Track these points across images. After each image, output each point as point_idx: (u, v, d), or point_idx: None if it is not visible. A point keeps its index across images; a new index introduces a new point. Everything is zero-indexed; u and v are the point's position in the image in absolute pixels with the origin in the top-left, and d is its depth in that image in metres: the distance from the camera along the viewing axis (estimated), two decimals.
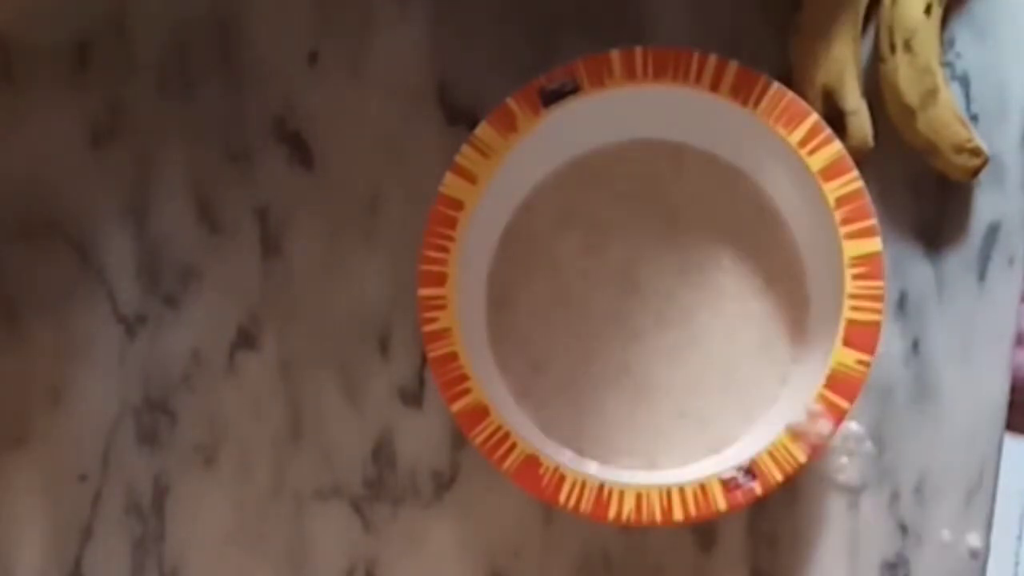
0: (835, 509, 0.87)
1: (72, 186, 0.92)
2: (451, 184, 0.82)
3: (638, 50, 0.82)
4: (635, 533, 0.87)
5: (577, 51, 0.85)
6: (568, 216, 0.86)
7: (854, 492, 0.87)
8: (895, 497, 0.87)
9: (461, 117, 0.91)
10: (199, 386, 0.91)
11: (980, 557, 0.86)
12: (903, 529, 0.87)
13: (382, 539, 0.89)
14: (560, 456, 0.81)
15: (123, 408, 0.91)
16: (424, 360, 0.89)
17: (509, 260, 0.86)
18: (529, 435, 0.82)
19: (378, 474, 0.89)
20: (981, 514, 0.86)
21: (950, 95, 0.86)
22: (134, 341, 0.91)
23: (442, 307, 0.81)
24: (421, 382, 0.90)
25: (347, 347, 0.90)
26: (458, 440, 0.89)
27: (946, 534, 0.87)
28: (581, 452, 0.83)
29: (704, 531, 0.87)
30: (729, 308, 0.85)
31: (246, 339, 0.91)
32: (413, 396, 0.90)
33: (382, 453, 0.89)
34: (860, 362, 0.78)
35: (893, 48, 0.86)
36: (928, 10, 0.85)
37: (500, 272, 0.86)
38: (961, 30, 0.89)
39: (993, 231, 0.88)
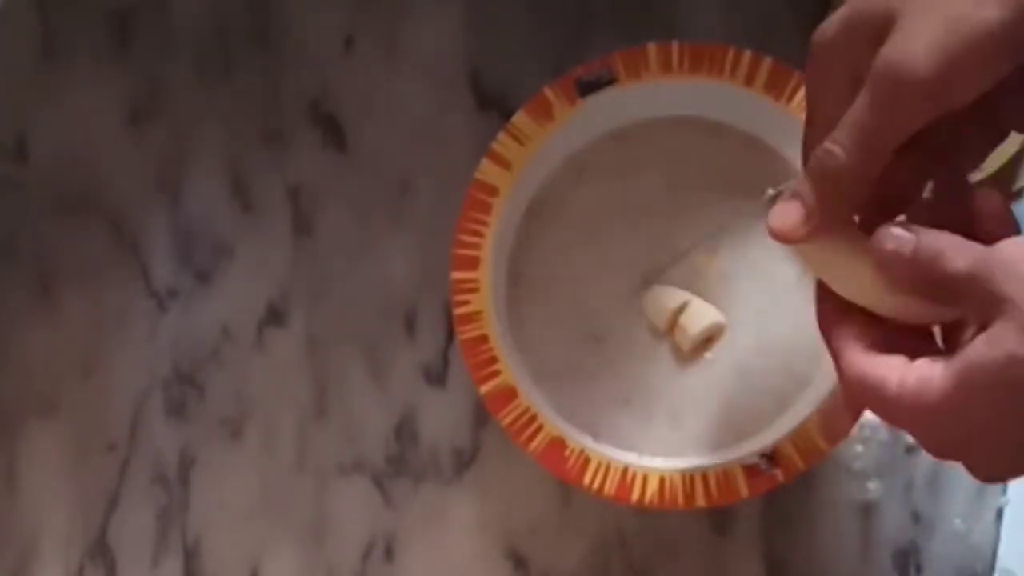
0: (849, 496, 0.88)
1: (109, 163, 0.94)
2: (486, 170, 0.84)
3: (674, 44, 0.83)
4: (651, 515, 0.88)
5: (607, 42, 0.86)
6: (592, 185, 0.87)
7: (869, 480, 0.88)
8: (909, 486, 0.88)
9: (492, 103, 0.93)
10: (227, 361, 0.92)
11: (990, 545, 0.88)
12: (916, 517, 0.88)
13: (402, 515, 0.91)
14: (582, 439, 0.83)
15: (152, 380, 0.92)
16: (449, 340, 0.91)
17: (528, 237, 0.87)
18: (552, 417, 0.83)
19: (400, 451, 0.91)
20: (993, 504, 0.88)
21: None
22: (165, 315, 0.92)
23: (474, 290, 0.83)
24: (445, 361, 0.91)
25: (373, 326, 0.92)
26: (480, 419, 0.90)
27: (958, 523, 0.88)
28: (597, 436, 0.84)
29: (720, 515, 0.89)
30: (761, 289, 0.86)
31: (275, 316, 0.92)
32: (437, 375, 0.91)
33: (405, 430, 0.91)
34: None
35: None
36: None
37: (519, 250, 0.87)
38: None
39: None
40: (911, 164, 0.66)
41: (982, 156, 0.68)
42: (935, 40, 0.60)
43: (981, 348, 0.57)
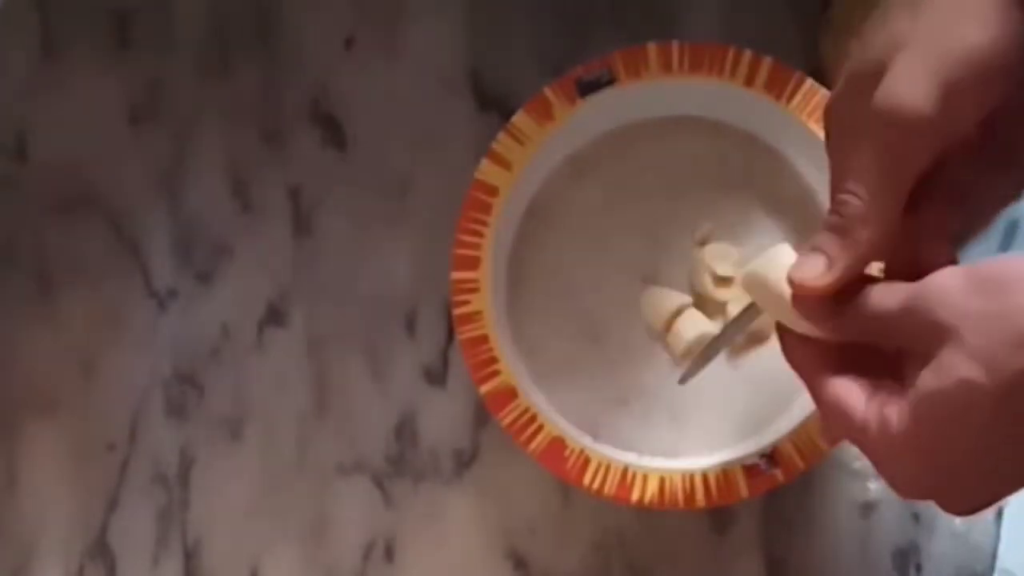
0: (850, 495, 0.88)
1: (109, 162, 0.94)
2: (486, 170, 0.84)
3: (674, 44, 0.84)
4: (651, 515, 0.88)
5: (607, 43, 0.86)
6: (591, 184, 0.87)
7: (869, 480, 0.88)
8: None
9: (492, 104, 0.93)
10: (227, 361, 0.92)
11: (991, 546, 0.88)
12: (916, 517, 0.88)
13: (402, 514, 0.91)
14: (582, 439, 0.83)
15: (152, 380, 0.92)
16: (449, 340, 0.91)
17: (528, 237, 0.87)
18: (552, 417, 0.83)
19: (400, 451, 0.91)
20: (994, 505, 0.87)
21: None
22: (165, 315, 0.92)
23: (474, 290, 0.83)
24: (445, 362, 0.91)
25: (373, 326, 0.92)
26: (480, 419, 0.90)
27: (958, 523, 0.88)
28: (597, 436, 0.84)
29: (719, 514, 0.89)
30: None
31: (275, 316, 0.92)
32: (437, 375, 0.91)
33: (405, 430, 0.91)
34: None
35: None
36: None
37: (519, 250, 0.87)
38: None
39: (1013, 227, 0.90)
40: (935, 215, 0.65)
41: (1010, 196, 0.67)
42: (923, 74, 0.60)
43: (931, 380, 0.58)
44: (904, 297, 0.60)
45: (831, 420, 0.64)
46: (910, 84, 0.60)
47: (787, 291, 0.66)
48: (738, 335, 0.79)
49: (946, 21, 0.60)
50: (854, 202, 0.63)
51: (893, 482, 0.63)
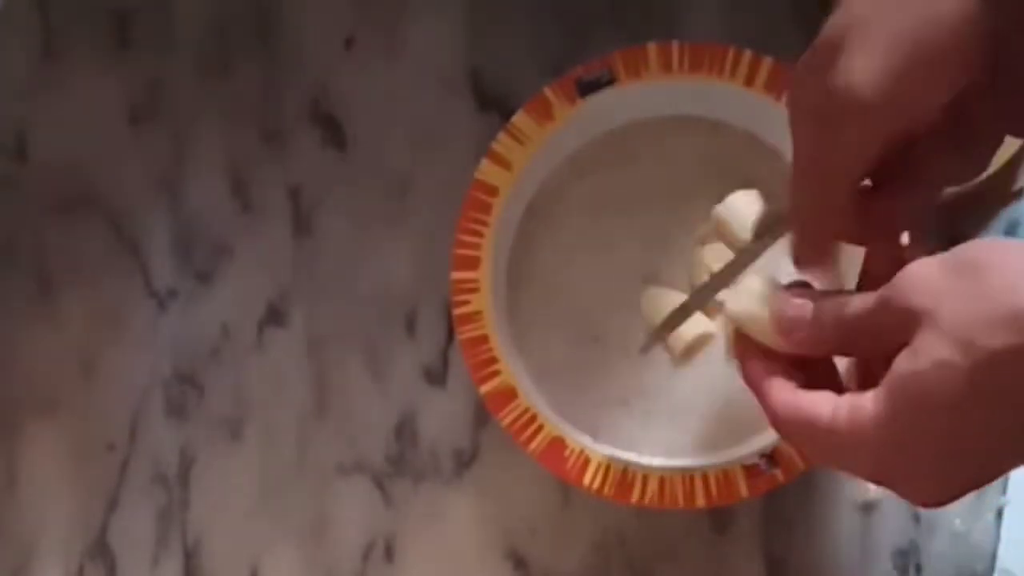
0: (850, 496, 0.88)
1: (109, 162, 0.94)
2: (486, 170, 0.84)
3: (674, 44, 0.84)
4: (651, 514, 0.88)
5: (607, 43, 0.86)
6: (591, 184, 0.88)
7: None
8: None
9: (492, 104, 0.92)
10: (227, 361, 0.92)
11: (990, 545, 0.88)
12: (916, 518, 0.88)
13: (402, 515, 0.91)
14: (582, 439, 0.83)
15: (152, 380, 0.92)
16: (449, 340, 0.91)
17: (528, 237, 0.87)
18: (552, 417, 0.83)
19: (400, 451, 0.91)
20: (992, 504, 0.88)
21: None
22: (165, 315, 0.92)
23: (474, 290, 0.83)
24: (445, 362, 0.91)
25: (373, 326, 0.92)
26: (480, 419, 0.90)
27: (958, 523, 0.88)
28: (597, 436, 0.84)
29: (719, 514, 0.89)
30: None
31: (275, 316, 0.92)
32: (437, 375, 0.91)
33: (405, 430, 0.91)
34: None
35: None
36: None
37: (519, 250, 0.87)
38: None
39: (1013, 226, 0.90)
40: (893, 192, 0.66)
41: (969, 169, 0.67)
42: (879, 55, 0.59)
43: (906, 363, 0.58)
44: (876, 295, 0.61)
45: (795, 423, 0.63)
46: (864, 66, 0.59)
47: (764, 315, 0.67)
48: (707, 301, 0.78)
49: (904, 1, 0.59)
50: (802, 187, 0.64)
51: (861, 469, 0.62)
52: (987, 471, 0.60)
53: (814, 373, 0.66)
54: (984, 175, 0.84)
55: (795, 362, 0.67)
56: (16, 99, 0.94)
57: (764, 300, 0.67)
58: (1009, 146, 0.85)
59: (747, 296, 0.68)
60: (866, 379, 0.65)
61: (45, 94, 0.94)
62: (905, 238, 0.68)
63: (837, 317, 0.63)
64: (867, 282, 0.67)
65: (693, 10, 0.93)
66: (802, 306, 0.65)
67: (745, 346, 0.69)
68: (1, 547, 0.91)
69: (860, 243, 0.68)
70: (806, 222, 0.66)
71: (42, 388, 0.92)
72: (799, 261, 0.68)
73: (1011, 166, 0.86)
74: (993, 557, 0.87)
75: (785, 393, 0.65)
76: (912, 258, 0.61)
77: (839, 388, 0.65)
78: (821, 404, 0.62)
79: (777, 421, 0.65)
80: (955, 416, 0.57)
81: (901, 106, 0.60)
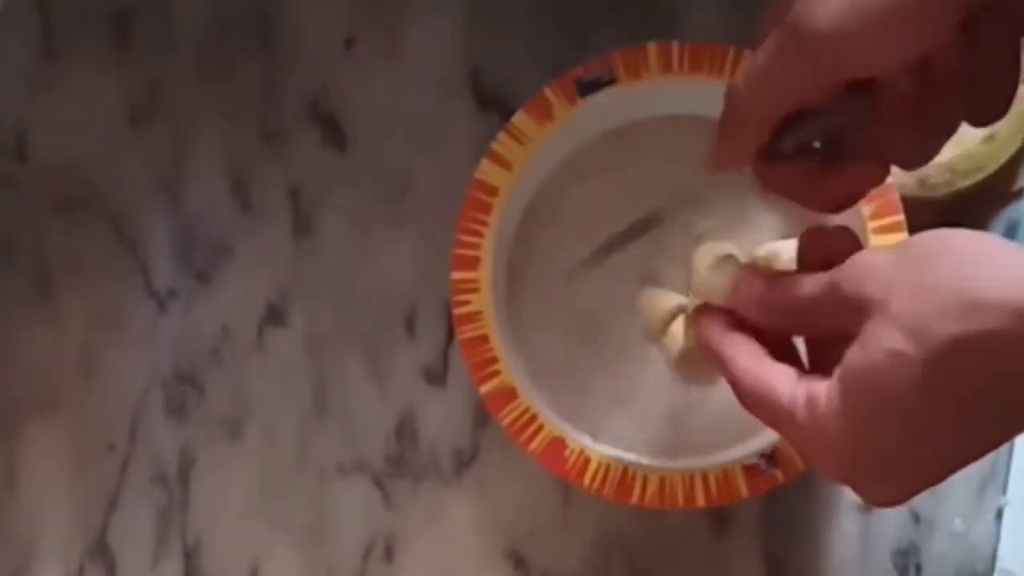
0: (850, 496, 0.88)
1: (109, 162, 0.94)
2: (486, 170, 0.84)
3: (674, 44, 0.83)
4: (651, 515, 0.88)
5: (607, 43, 0.86)
6: (591, 184, 0.87)
7: None
8: None
9: (492, 104, 0.93)
10: (227, 361, 0.92)
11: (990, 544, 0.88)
12: (916, 518, 0.88)
13: (402, 515, 0.91)
14: (582, 439, 0.83)
15: (152, 380, 0.92)
16: (449, 340, 0.91)
17: (528, 237, 0.87)
18: (552, 417, 0.83)
19: (400, 451, 0.91)
20: (993, 504, 0.88)
21: None
22: (165, 315, 0.92)
23: (474, 290, 0.83)
24: (445, 362, 0.91)
25: (373, 326, 0.92)
26: (480, 419, 0.90)
27: (958, 523, 0.88)
28: (597, 436, 0.84)
29: (719, 515, 0.89)
30: None
31: (275, 316, 0.92)
32: (437, 375, 0.91)
33: (405, 430, 0.91)
34: None
35: None
36: None
37: (519, 250, 0.87)
38: None
39: (1013, 227, 0.90)
40: (847, 166, 0.66)
41: (921, 153, 0.67)
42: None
43: (858, 355, 0.57)
44: (826, 279, 0.61)
45: (757, 393, 0.63)
46: (830, 3, 0.59)
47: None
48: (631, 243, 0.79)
49: None
50: (738, 90, 0.65)
51: (820, 464, 0.62)
52: (948, 464, 0.59)
53: (772, 350, 0.66)
54: (983, 175, 0.85)
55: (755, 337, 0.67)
56: (16, 99, 0.94)
57: (727, 277, 0.68)
58: (1009, 146, 0.85)
59: (708, 273, 0.70)
60: (818, 360, 0.65)
61: (45, 94, 0.94)
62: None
63: (786, 299, 0.63)
64: (803, 265, 0.67)
65: (693, 10, 0.93)
66: (753, 286, 0.66)
67: (707, 316, 0.69)
68: (1, 547, 0.91)
69: (816, 209, 0.69)
70: (738, 127, 0.66)
71: (42, 388, 0.92)
72: (716, 163, 0.68)
73: (1011, 166, 0.86)
74: (993, 557, 0.87)
75: (748, 360, 0.65)
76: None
77: (799, 365, 0.65)
78: (781, 382, 0.62)
79: (740, 391, 0.65)
80: (910, 409, 0.56)
81: (853, 48, 0.60)
